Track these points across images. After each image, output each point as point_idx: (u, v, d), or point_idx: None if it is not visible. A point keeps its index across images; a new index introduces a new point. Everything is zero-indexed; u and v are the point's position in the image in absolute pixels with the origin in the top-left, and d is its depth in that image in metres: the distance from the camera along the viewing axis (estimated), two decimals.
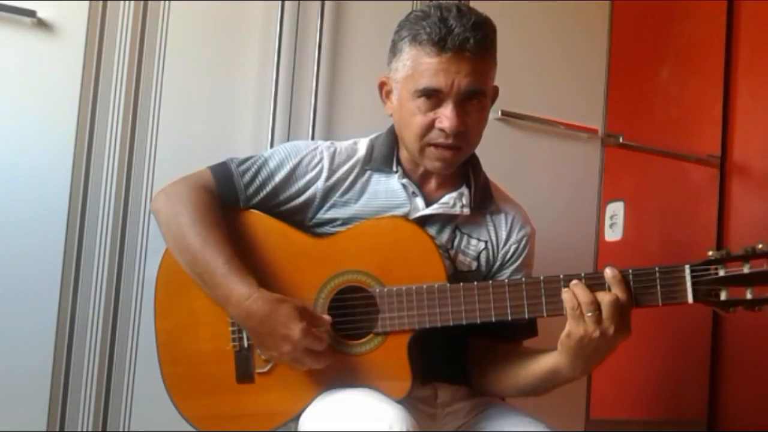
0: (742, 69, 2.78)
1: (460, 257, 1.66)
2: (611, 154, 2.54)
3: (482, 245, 1.68)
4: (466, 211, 1.66)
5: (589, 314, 1.38)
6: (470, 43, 1.51)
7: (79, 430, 1.91)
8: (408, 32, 1.57)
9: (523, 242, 1.71)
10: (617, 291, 1.40)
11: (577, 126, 2.47)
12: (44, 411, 1.88)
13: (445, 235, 1.66)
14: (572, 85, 2.49)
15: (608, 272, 1.41)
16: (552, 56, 2.47)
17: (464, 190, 1.67)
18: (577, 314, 1.39)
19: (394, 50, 1.61)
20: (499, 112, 2.35)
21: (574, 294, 1.40)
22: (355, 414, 1.40)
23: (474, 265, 1.67)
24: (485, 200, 1.71)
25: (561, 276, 1.46)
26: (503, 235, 1.71)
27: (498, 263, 1.70)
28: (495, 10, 2.36)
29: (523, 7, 2.42)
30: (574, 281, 1.42)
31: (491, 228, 1.70)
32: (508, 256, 1.70)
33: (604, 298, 1.39)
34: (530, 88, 2.43)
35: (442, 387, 1.65)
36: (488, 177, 1.76)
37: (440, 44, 1.51)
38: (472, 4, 2.33)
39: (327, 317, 1.52)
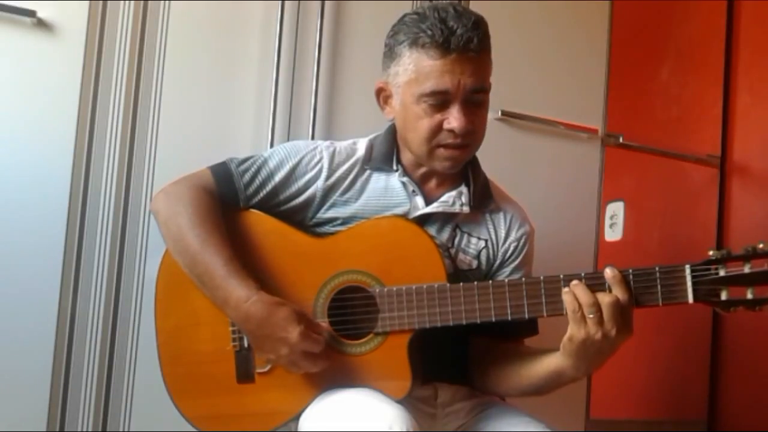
0: (742, 69, 2.79)
1: (461, 256, 1.67)
2: (611, 154, 2.54)
3: (482, 243, 1.69)
4: (466, 209, 1.66)
5: (591, 316, 1.38)
6: (474, 42, 1.52)
7: (79, 430, 1.91)
8: (406, 36, 1.56)
9: (522, 240, 1.72)
10: (618, 291, 1.40)
11: (577, 126, 2.48)
12: (44, 411, 1.88)
13: (446, 234, 1.66)
14: (572, 85, 2.49)
15: (608, 272, 1.41)
16: (552, 56, 2.47)
17: (463, 188, 1.68)
18: (578, 317, 1.39)
19: (391, 55, 1.61)
20: (499, 112, 2.36)
21: (575, 296, 1.40)
22: (355, 414, 1.40)
23: (474, 263, 1.68)
24: (485, 199, 1.71)
25: (561, 276, 1.46)
26: (503, 233, 1.71)
27: (498, 261, 1.70)
28: (495, 10, 2.38)
29: (523, 7, 2.43)
30: (575, 282, 1.42)
31: (491, 226, 1.71)
32: (508, 255, 1.70)
33: (605, 299, 1.38)
34: (530, 88, 2.43)
35: (443, 387, 1.65)
36: (487, 176, 1.76)
37: (444, 46, 1.52)
38: (472, 4, 2.33)
39: (324, 324, 1.52)
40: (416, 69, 1.55)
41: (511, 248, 1.71)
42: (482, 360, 1.66)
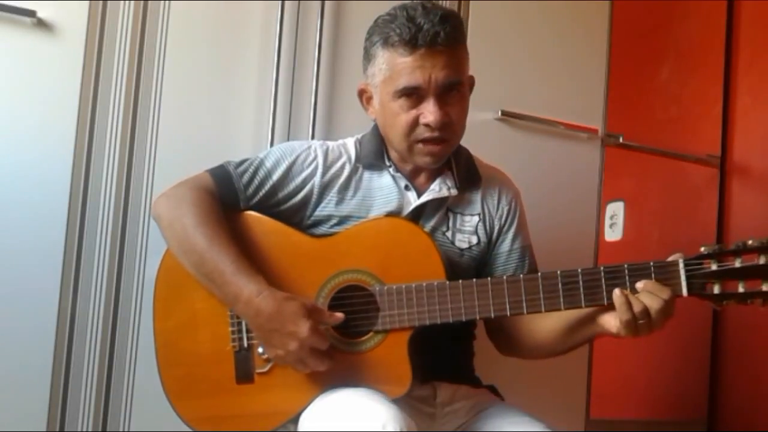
0: (742, 69, 2.79)
1: (459, 236, 1.70)
2: (611, 154, 2.54)
3: (476, 219, 1.72)
4: (454, 192, 1.70)
5: (641, 322, 1.44)
6: (441, 36, 1.55)
7: (79, 430, 1.91)
8: (378, 37, 1.61)
9: (513, 203, 1.76)
10: (664, 295, 1.44)
11: (577, 126, 2.48)
12: (44, 411, 1.88)
13: (440, 220, 1.69)
14: (572, 85, 2.49)
15: (648, 285, 1.45)
16: (552, 56, 2.47)
17: (447, 173, 1.71)
18: (631, 326, 1.44)
19: (368, 57, 1.65)
20: (499, 112, 2.36)
21: (629, 304, 1.44)
22: (350, 414, 1.40)
23: (474, 239, 1.71)
24: (471, 178, 1.75)
25: (558, 272, 1.49)
26: (495, 202, 1.75)
27: (496, 229, 1.74)
28: (495, 10, 2.38)
29: (523, 7, 2.43)
30: (624, 291, 1.45)
31: (482, 201, 1.74)
32: (504, 220, 1.75)
33: (654, 305, 1.43)
34: (530, 88, 2.43)
35: (442, 386, 1.66)
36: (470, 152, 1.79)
37: (412, 42, 1.55)
38: (473, 4, 2.33)
39: (340, 314, 1.52)
40: (389, 68, 1.59)
41: (505, 212, 1.75)
42: (503, 329, 1.70)
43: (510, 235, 1.74)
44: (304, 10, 2.16)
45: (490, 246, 1.74)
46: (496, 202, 1.75)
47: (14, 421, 1.86)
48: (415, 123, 1.60)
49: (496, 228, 1.74)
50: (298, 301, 1.48)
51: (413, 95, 1.58)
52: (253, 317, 1.51)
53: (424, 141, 1.61)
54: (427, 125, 1.59)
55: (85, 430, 1.91)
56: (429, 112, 1.58)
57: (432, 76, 1.56)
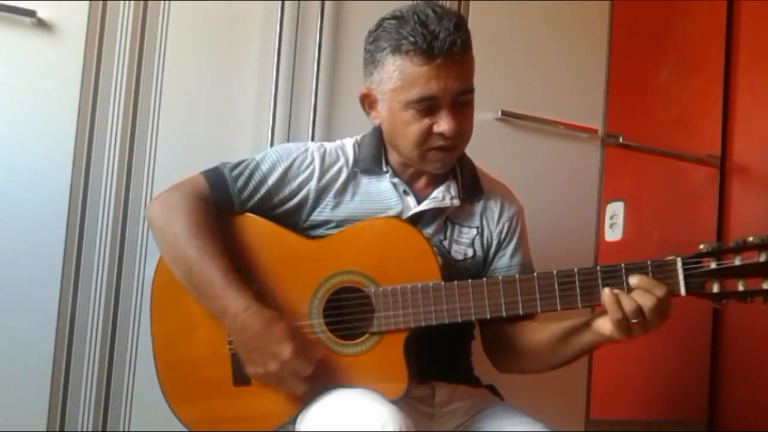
0: (742, 69, 2.78)
1: (455, 247, 1.68)
2: (611, 154, 2.54)
3: (474, 231, 1.70)
4: (456, 202, 1.68)
5: (635, 321, 1.41)
6: (457, 45, 1.52)
7: (79, 430, 1.91)
8: (387, 43, 1.56)
9: (515, 220, 1.74)
10: (658, 292, 1.41)
11: (577, 126, 2.47)
12: (44, 411, 1.88)
13: (438, 228, 1.68)
14: (572, 85, 2.49)
15: (642, 281, 1.43)
16: (552, 56, 2.47)
17: (451, 182, 1.69)
18: (623, 325, 1.42)
19: (373, 62, 1.60)
20: (499, 112, 2.35)
21: (619, 303, 1.42)
22: (349, 414, 1.40)
23: (470, 252, 1.69)
24: (474, 189, 1.73)
25: (554, 272, 1.48)
26: (495, 217, 1.73)
27: (494, 244, 1.72)
28: (495, 10, 2.38)
29: (523, 7, 2.43)
30: (614, 291, 1.43)
31: (482, 214, 1.72)
32: (503, 236, 1.72)
33: (647, 303, 1.40)
34: (530, 88, 2.43)
35: (440, 386, 1.65)
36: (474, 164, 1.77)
37: (428, 52, 1.51)
38: (473, 5, 2.33)
39: (317, 355, 1.50)
40: (401, 77, 1.55)
41: (505, 228, 1.73)
42: (500, 344, 1.68)
43: (509, 251, 1.72)
44: (304, 10, 2.16)
45: (486, 261, 1.72)
46: (496, 217, 1.73)
47: (14, 421, 1.86)
48: (428, 132, 1.57)
49: (494, 243, 1.72)
50: (285, 323, 1.48)
51: (426, 105, 1.55)
52: (237, 333, 1.50)
53: (437, 149, 1.60)
54: (441, 134, 1.57)
55: (85, 430, 1.91)
56: (444, 122, 1.55)
57: (447, 85, 1.53)
